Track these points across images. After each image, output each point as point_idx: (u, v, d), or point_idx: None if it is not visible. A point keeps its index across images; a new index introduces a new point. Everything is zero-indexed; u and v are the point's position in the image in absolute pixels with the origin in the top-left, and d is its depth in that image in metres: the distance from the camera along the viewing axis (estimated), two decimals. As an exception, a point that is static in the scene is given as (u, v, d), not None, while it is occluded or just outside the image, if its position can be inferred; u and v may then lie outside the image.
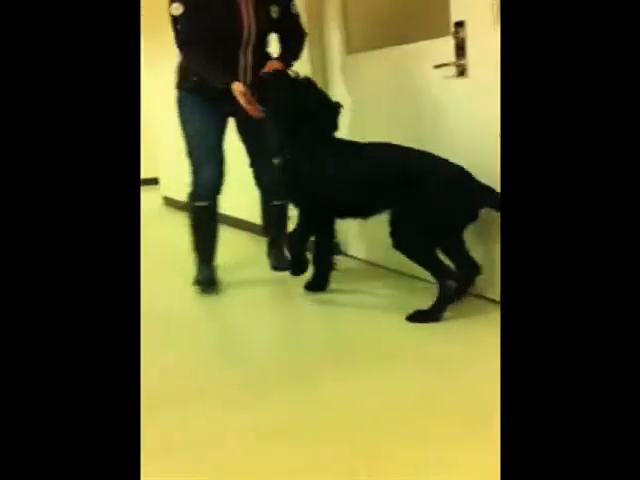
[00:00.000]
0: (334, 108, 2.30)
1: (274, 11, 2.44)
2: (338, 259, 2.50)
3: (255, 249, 3.19)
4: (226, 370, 1.87)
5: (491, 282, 2.17)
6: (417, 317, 2.10)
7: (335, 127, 2.30)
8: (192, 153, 2.50)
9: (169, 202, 5.03)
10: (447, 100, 2.26)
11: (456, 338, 1.98)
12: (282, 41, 2.57)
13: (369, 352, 1.93)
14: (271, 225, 2.91)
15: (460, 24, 2.15)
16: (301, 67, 2.50)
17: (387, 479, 1.28)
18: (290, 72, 2.36)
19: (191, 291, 2.57)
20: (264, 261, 2.96)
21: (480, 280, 2.19)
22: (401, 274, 2.64)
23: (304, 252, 2.39)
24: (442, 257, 2.14)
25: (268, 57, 2.52)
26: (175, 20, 2.33)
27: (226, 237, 2.80)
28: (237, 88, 2.30)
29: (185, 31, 2.34)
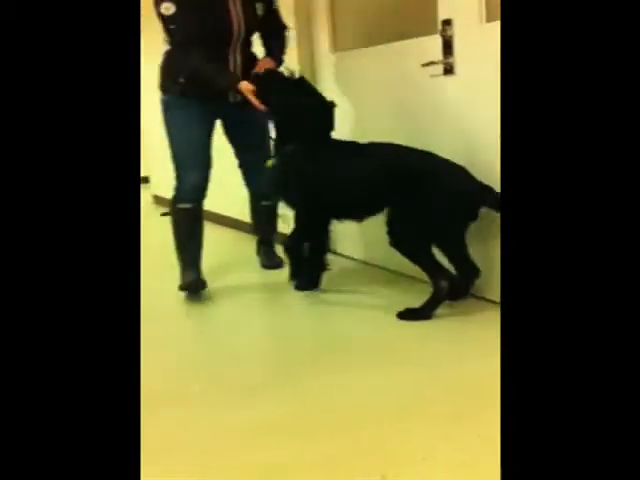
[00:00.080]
0: (329, 107, 2.29)
1: (259, 8, 2.43)
2: (330, 258, 2.49)
3: (244, 248, 3.19)
4: (221, 369, 1.88)
5: (486, 282, 2.19)
6: (408, 315, 2.12)
7: (331, 126, 2.29)
8: (178, 157, 2.45)
9: (159, 201, 5.01)
10: (434, 98, 2.27)
11: (449, 336, 1.99)
12: (267, 38, 2.55)
13: (362, 350, 1.94)
14: (260, 224, 2.91)
15: (447, 22, 2.15)
16: (289, 66, 2.49)
17: (383, 474, 1.29)
18: (284, 71, 2.35)
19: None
20: (254, 260, 2.96)
21: (477, 280, 2.20)
22: (393, 273, 2.65)
23: (302, 259, 2.40)
24: (441, 258, 2.14)
25: (254, 56, 2.51)
26: (166, 20, 2.28)
27: (214, 236, 2.79)
28: (245, 86, 2.28)
29: (180, 31, 2.29)
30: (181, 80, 2.37)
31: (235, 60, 2.40)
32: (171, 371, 1.89)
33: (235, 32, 2.35)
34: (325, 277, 2.48)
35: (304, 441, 1.44)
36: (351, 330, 2.13)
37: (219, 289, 2.59)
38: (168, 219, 2.57)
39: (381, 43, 2.51)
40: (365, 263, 2.86)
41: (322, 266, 2.47)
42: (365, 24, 2.68)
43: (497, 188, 2.00)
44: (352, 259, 2.95)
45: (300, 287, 2.47)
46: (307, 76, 2.48)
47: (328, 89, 2.75)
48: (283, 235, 3.02)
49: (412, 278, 2.47)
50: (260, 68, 2.37)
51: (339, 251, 3.03)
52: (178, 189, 2.47)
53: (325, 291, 2.46)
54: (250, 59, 2.47)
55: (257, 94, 2.26)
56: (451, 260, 2.18)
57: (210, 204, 2.59)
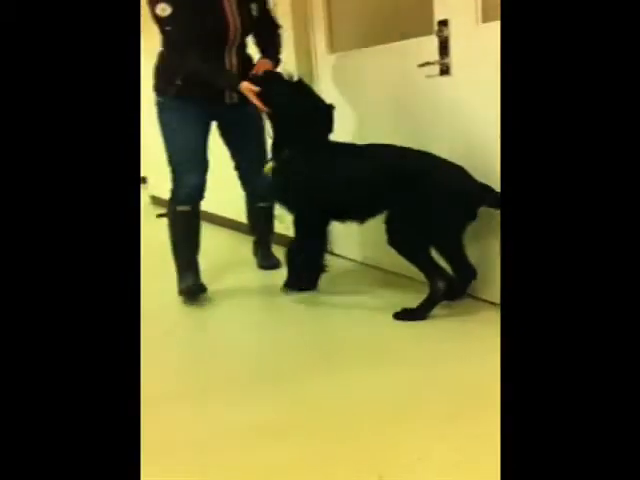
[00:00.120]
0: (328, 110, 2.28)
1: (254, 9, 2.42)
2: (327, 259, 2.49)
3: (241, 248, 3.19)
4: (219, 370, 1.88)
5: (483, 282, 2.19)
6: (403, 315, 2.12)
7: (330, 129, 2.28)
8: (175, 159, 2.43)
9: (156, 201, 5.01)
10: (430, 98, 2.27)
11: (446, 337, 2.00)
12: (262, 39, 2.54)
13: (359, 351, 1.94)
14: (257, 226, 2.90)
15: (443, 23, 2.16)
16: (286, 67, 2.50)
17: (380, 474, 1.30)
18: (283, 72, 2.34)
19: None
20: (251, 260, 2.96)
21: (473, 281, 2.21)
22: (390, 273, 2.65)
23: (302, 268, 2.40)
24: (438, 258, 2.14)
25: (250, 58, 2.51)
26: (161, 21, 2.25)
27: (211, 236, 2.79)
28: (247, 86, 2.26)
29: (176, 33, 2.27)
30: (178, 82, 2.36)
31: (231, 61, 2.40)
32: (169, 371, 1.90)
33: (231, 33, 2.35)
34: (322, 278, 2.48)
35: (301, 441, 1.45)
36: (348, 331, 2.13)
37: (216, 290, 2.58)
38: (163, 220, 2.56)
39: (378, 44, 2.51)
40: (362, 264, 2.87)
41: (320, 267, 2.46)
42: (362, 25, 2.68)
43: (494, 187, 2.00)
44: (349, 260, 2.95)
45: (289, 287, 2.45)
46: (304, 77, 2.48)
47: (325, 90, 2.76)
48: (280, 236, 3.03)
49: (409, 279, 2.47)
50: (258, 69, 2.38)
51: (336, 252, 3.03)
52: (176, 191, 2.46)
53: (322, 292, 2.46)
54: (246, 60, 2.47)
55: (259, 94, 2.24)
56: (448, 261, 2.18)
57: (206, 204, 2.58)
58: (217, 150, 2.61)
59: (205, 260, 2.60)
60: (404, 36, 2.37)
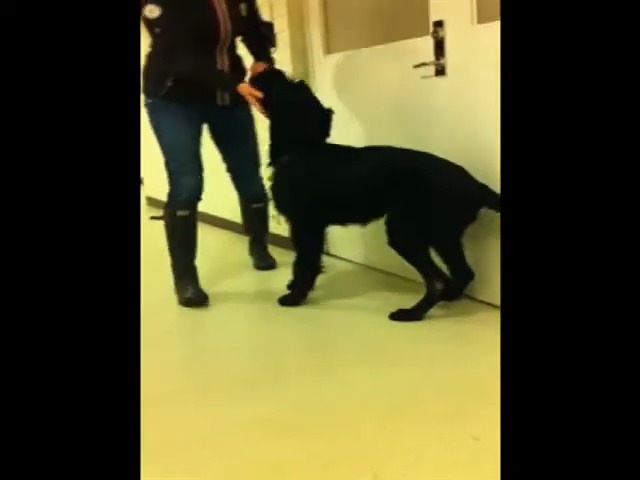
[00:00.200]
0: (327, 114, 2.26)
1: (243, 9, 2.40)
2: (324, 260, 2.49)
3: (237, 249, 3.19)
4: (217, 369, 1.89)
5: (480, 284, 2.20)
6: (399, 316, 2.12)
7: (328, 133, 2.27)
8: (171, 162, 2.39)
9: (152, 202, 5.00)
10: (426, 99, 2.28)
11: (442, 337, 2.00)
12: (252, 41, 2.54)
13: (356, 351, 1.95)
14: (252, 226, 2.89)
15: (439, 23, 2.16)
16: (282, 68, 2.49)
17: (376, 473, 1.30)
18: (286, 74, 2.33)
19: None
20: (247, 261, 2.96)
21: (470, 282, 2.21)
22: (387, 274, 2.66)
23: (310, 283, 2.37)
24: (436, 259, 2.14)
25: (240, 58, 2.49)
26: (150, 23, 2.22)
27: (207, 237, 2.79)
28: (245, 88, 2.25)
29: (165, 34, 2.24)
30: (169, 83, 2.32)
31: (223, 61, 2.38)
32: (169, 371, 1.90)
33: (222, 34, 2.33)
34: (320, 279, 2.48)
35: (298, 439, 1.45)
36: (345, 331, 2.13)
37: (214, 290, 2.57)
38: (156, 222, 2.54)
39: (374, 45, 2.52)
40: (359, 264, 2.87)
41: (317, 269, 2.44)
42: (358, 26, 2.68)
43: (491, 187, 2.00)
44: (346, 260, 2.95)
45: (286, 303, 2.38)
46: (300, 78, 2.48)
47: (321, 91, 2.76)
48: (277, 236, 3.03)
49: (405, 279, 2.48)
50: (254, 71, 2.36)
51: (333, 253, 3.03)
52: (174, 195, 2.42)
53: (320, 292, 2.45)
54: (236, 61, 2.45)
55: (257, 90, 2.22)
56: (447, 261, 2.18)
57: (202, 205, 2.57)
58: (208, 148, 2.59)
59: (202, 261, 2.59)
60: (400, 37, 2.38)
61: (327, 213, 2.26)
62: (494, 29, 1.95)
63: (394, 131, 2.47)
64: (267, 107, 2.23)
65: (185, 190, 2.39)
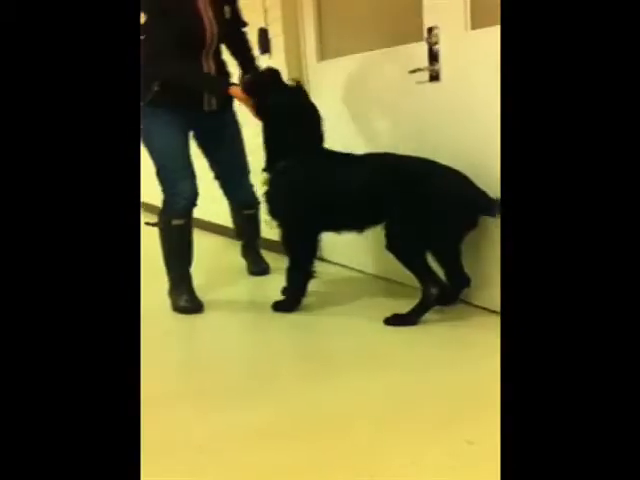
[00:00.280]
0: (321, 118, 2.25)
1: (227, 12, 2.39)
2: (317, 265, 2.48)
3: (231, 254, 3.17)
4: (213, 375, 1.88)
5: (475, 288, 2.20)
6: (394, 320, 2.12)
7: (323, 138, 2.26)
8: (164, 170, 2.35)
9: (147, 207, 4.99)
10: (421, 104, 2.28)
11: (438, 342, 2.00)
12: (237, 48, 2.53)
13: (352, 356, 1.94)
14: (244, 232, 2.87)
15: (433, 29, 2.17)
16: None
17: (372, 477, 1.30)
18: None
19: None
20: (241, 266, 2.95)
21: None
22: (381, 279, 2.66)
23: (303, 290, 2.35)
24: (433, 263, 2.14)
25: (224, 63, 2.48)
26: None
27: (201, 243, 2.77)
28: (237, 91, 2.23)
29: (152, 40, 2.19)
30: (155, 88, 2.28)
31: (209, 66, 2.37)
32: (166, 375, 1.89)
33: (208, 39, 2.32)
34: (314, 284, 2.47)
35: (294, 445, 1.45)
36: (341, 336, 2.13)
37: (210, 296, 2.56)
38: (151, 227, 2.52)
39: (368, 50, 2.53)
40: (353, 270, 2.87)
41: (310, 274, 2.42)
42: (352, 32, 2.69)
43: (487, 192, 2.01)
44: (340, 266, 2.95)
45: (280, 309, 2.37)
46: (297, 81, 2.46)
47: (315, 96, 2.76)
48: (269, 241, 3.02)
49: (400, 284, 2.48)
50: (236, 92, 2.27)
51: (327, 258, 3.03)
52: (169, 203, 2.38)
53: (314, 298, 2.45)
54: (221, 65, 2.44)
55: (254, 97, 2.21)
56: (444, 267, 2.18)
57: (194, 210, 2.55)
58: (196, 152, 2.56)
59: (196, 267, 2.57)
60: (394, 43, 2.39)
61: (324, 219, 2.25)
62: (488, 35, 1.97)
63: (388, 136, 2.47)
64: (262, 111, 2.22)
65: (181, 198, 2.36)
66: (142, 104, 2.32)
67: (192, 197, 2.38)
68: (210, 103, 2.41)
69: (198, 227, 2.87)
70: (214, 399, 1.72)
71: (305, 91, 2.28)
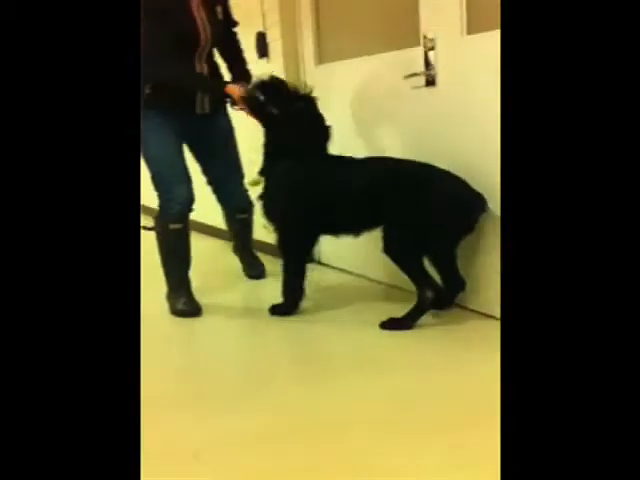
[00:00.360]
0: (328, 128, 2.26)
1: (219, 12, 2.37)
2: (313, 268, 2.49)
3: (226, 256, 3.17)
4: (210, 379, 1.89)
5: (471, 292, 2.21)
6: (390, 324, 2.12)
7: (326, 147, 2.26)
8: (159, 175, 2.31)
9: (144, 210, 4.99)
10: (417, 109, 2.29)
11: (433, 346, 2.00)
12: (228, 50, 2.51)
13: (347, 360, 1.95)
14: (239, 236, 2.85)
15: (429, 35, 2.18)
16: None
17: (373, 478, 1.31)
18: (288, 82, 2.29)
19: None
20: (236, 267, 2.94)
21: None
22: (377, 283, 2.66)
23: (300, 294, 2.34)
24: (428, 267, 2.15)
25: (217, 65, 2.46)
26: None
27: (198, 245, 2.77)
28: (236, 91, 2.21)
29: (147, 42, 2.06)
30: (147, 90, 2.24)
31: (202, 68, 2.35)
32: (162, 380, 1.89)
33: (202, 40, 2.30)
34: (310, 288, 2.47)
35: (293, 448, 1.46)
36: (336, 340, 2.13)
37: (205, 300, 2.55)
38: (147, 232, 2.51)
39: (365, 55, 2.53)
40: (350, 273, 2.87)
41: (305, 277, 2.38)
42: (350, 36, 2.70)
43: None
44: (337, 269, 2.95)
45: (278, 312, 2.37)
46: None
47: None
48: (265, 244, 3.02)
49: (396, 288, 2.48)
50: (234, 93, 2.27)
51: (324, 262, 3.03)
52: (165, 208, 2.35)
53: (310, 302, 2.45)
54: (214, 67, 2.43)
55: (249, 103, 2.20)
56: (440, 270, 2.18)
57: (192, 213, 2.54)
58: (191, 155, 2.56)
59: (193, 270, 2.56)
60: (391, 48, 2.39)
61: (323, 222, 2.25)
62: (484, 40, 1.98)
63: (385, 140, 2.48)
64: (265, 118, 2.20)
65: (177, 203, 2.33)
66: None
67: (188, 202, 2.36)
68: (203, 106, 2.38)
69: (195, 230, 2.87)
70: (212, 403, 1.72)
71: (314, 99, 2.24)
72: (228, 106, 2.46)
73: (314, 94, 2.23)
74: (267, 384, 1.83)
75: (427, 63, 2.20)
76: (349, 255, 2.82)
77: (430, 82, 2.22)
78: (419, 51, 2.22)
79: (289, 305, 2.35)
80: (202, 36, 2.30)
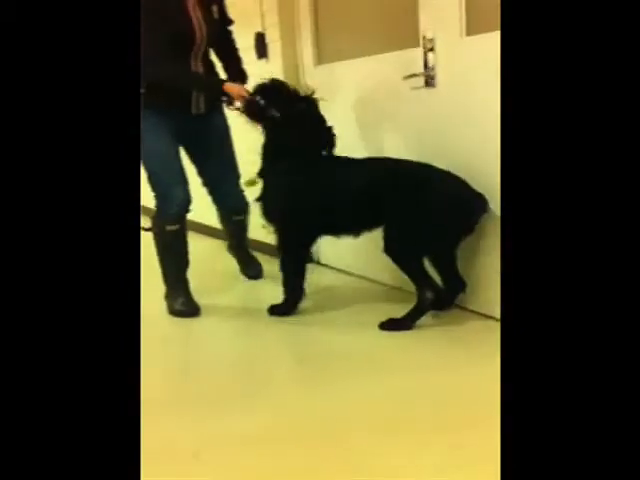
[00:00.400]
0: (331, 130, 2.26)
1: (215, 11, 2.36)
2: (313, 269, 2.48)
3: (222, 256, 3.16)
4: (208, 381, 1.88)
5: (470, 293, 2.21)
6: (389, 325, 2.12)
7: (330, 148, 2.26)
8: (155, 177, 2.29)
9: (143, 211, 4.99)
10: (416, 110, 2.29)
11: (433, 347, 2.00)
12: (223, 50, 2.50)
13: (346, 361, 1.94)
14: (235, 238, 2.83)
15: (429, 35, 2.18)
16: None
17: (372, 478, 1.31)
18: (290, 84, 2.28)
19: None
20: (233, 268, 2.94)
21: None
22: (376, 283, 2.66)
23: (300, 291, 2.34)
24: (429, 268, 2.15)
25: (213, 64, 2.45)
26: None
27: (196, 245, 2.76)
28: (235, 89, 2.20)
29: (143, 42, 2.14)
30: (142, 90, 2.18)
31: (197, 67, 2.33)
32: (159, 382, 1.89)
33: (198, 39, 2.29)
34: (309, 289, 2.47)
35: (291, 449, 1.45)
36: (335, 341, 2.12)
37: (204, 300, 2.55)
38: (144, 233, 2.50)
39: (364, 56, 2.54)
40: (349, 274, 2.87)
41: (304, 277, 2.39)
42: (349, 37, 2.70)
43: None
44: (336, 270, 2.95)
45: (277, 313, 2.37)
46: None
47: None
48: (264, 244, 3.02)
49: (395, 289, 2.48)
50: (234, 93, 2.26)
51: (324, 262, 3.03)
52: (163, 209, 2.33)
53: (309, 302, 2.44)
54: (210, 66, 2.41)
55: (250, 107, 2.20)
56: (440, 271, 2.18)
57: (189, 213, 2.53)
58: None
59: (191, 270, 2.55)
60: (390, 48, 2.40)
61: (322, 223, 2.25)
62: (483, 41, 1.98)
63: (384, 141, 2.48)
64: (268, 119, 2.20)
65: (174, 204, 2.32)
66: None
67: (184, 203, 2.35)
68: (198, 106, 2.36)
69: (193, 230, 2.87)
70: (211, 404, 1.71)
71: (314, 100, 2.23)
72: (224, 105, 2.44)
73: (315, 96, 2.23)
74: (266, 385, 1.83)
75: (426, 64, 2.21)
76: (348, 255, 2.82)
77: (429, 83, 2.22)
78: (418, 52, 2.22)
79: (288, 305, 2.35)
80: (198, 35, 2.29)
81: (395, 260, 2.10)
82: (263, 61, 2.95)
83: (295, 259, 2.31)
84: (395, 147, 2.37)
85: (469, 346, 1.98)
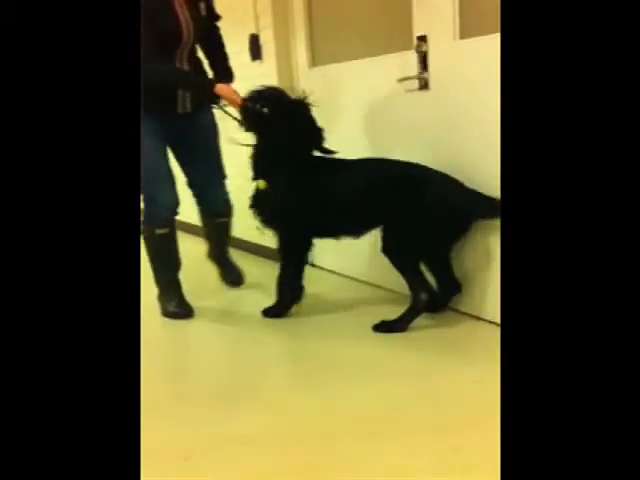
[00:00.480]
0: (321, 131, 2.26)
1: (202, 8, 2.33)
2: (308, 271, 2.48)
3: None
4: (204, 384, 1.88)
5: (464, 296, 2.21)
6: (383, 327, 2.13)
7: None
8: (142, 180, 2.13)
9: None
10: (410, 112, 2.30)
11: (427, 349, 2.00)
12: (211, 49, 2.47)
13: (341, 364, 1.94)
14: (216, 241, 2.75)
15: (422, 38, 2.19)
16: (267, 80, 2.50)
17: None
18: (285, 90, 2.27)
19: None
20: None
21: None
22: (371, 285, 2.66)
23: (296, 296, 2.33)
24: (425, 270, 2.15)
25: (200, 62, 2.42)
26: None
27: (188, 246, 2.76)
28: (226, 89, 2.18)
29: None
30: None
31: (183, 65, 2.30)
32: (154, 383, 1.87)
33: (185, 37, 2.26)
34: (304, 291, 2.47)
35: (286, 451, 1.45)
36: (329, 343, 2.12)
37: (196, 302, 2.55)
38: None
39: (358, 58, 2.54)
40: (342, 276, 2.87)
41: (302, 280, 2.38)
42: (343, 39, 2.71)
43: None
44: (330, 272, 2.95)
45: (270, 314, 2.38)
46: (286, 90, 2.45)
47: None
48: (261, 247, 3.02)
49: (389, 291, 2.49)
50: (224, 94, 2.24)
51: (318, 264, 3.03)
52: (150, 213, 2.29)
53: (303, 304, 2.44)
54: (197, 64, 2.38)
55: (246, 115, 2.19)
56: (435, 273, 2.19)
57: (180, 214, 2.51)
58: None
59: (183, 272, 2.54)
60: (384, 51, 2.40)
61: (322, 224, 2.25)
62: (476, 44, 1.99)
63: (377, 142, 2.49)
64: (263, 125, 2.19)
65: (163, 209, 2.29)
66: None
67: (173, 206, 2.32)
68: (184, 105, 2.33)
69: (184, 230, 2.85)
70: (204, 406, 1.71)
71: (307, 104, 2.23)
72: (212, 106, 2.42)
73: (308, 99, 2.23)
74: (260, 387, 1.83)
75: (420, 67, 2.22)
76: (342, 258, 2.83)
77: (423, 85, 2.23)
78: (412, 55, 2.23)
79: (281, 307, 2.35)
80: (185, 33, 2.25)
81: (392, 260, 2.11)
82: (257, 62, 2.95)
83: (294, 261, 2.31)
84: (388, 149, 2.37)
85: (463, 348, 1.99)
